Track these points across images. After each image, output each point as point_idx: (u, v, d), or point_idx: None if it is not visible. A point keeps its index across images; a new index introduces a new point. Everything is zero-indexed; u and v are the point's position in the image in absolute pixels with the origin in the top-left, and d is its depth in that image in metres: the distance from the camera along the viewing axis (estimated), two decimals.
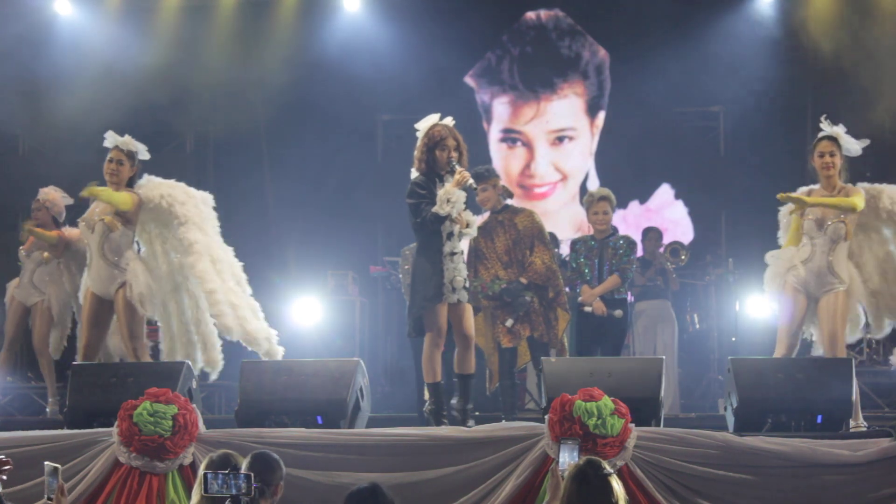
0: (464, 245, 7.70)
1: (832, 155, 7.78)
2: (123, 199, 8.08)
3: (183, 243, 8.21)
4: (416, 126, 7.61)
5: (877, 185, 8.00)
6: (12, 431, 7.25)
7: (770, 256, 8.05)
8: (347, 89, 13.19)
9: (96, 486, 6.64)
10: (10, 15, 12.46)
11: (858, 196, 7.68)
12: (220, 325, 8.13)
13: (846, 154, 7.82)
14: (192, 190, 8.41)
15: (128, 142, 8.24)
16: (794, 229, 8.00)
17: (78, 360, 8.13)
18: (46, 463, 5.16)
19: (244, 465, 5.14)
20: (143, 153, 8.29)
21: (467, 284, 7.43)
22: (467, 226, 7.44)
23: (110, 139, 8.25)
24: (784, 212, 8.25)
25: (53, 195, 9.67)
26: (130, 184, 8.25)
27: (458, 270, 7.37)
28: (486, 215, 8.81)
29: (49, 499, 5.13)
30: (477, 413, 7.98)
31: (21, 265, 9.86)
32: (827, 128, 7.86)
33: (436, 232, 7.38)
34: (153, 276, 8.24)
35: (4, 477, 5.20)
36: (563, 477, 4.94)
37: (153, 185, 8.31)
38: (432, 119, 7.56)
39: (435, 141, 7.42)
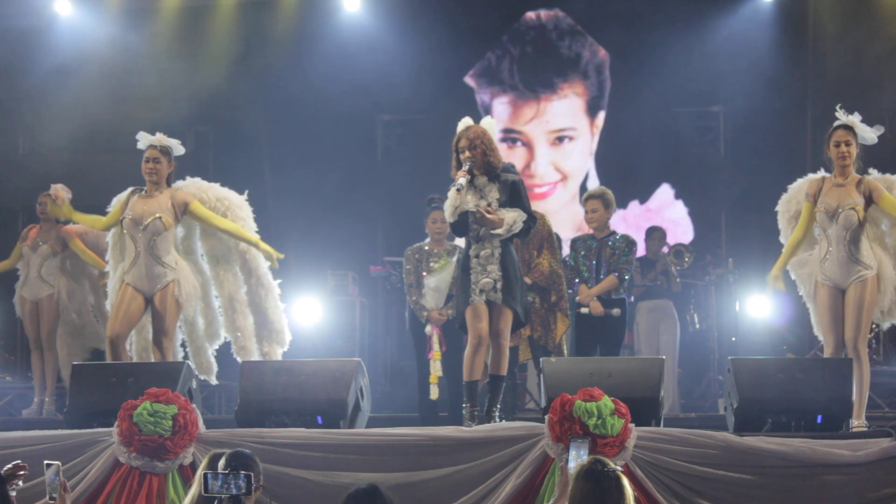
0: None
1: (847, 144, 7.68)
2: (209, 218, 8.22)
3: (239, 248, 8.32)
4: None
5: (889, 176, 7.86)
6: (12, 431, 7.25)
7: (793, 264, 7.98)
8: (347, 89, 13.19)
9: (96, 486, 6.65)
10: (9, 15, 12.46)
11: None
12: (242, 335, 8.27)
13: (862, 143, 7.75)
14: (238, 196, 8.45)
15: (161, 139, 8.20)
16: (804, 217, 7.86)
17: (108, 356, 8.11)
18: (47, 462, 5.16)
19: (221, 465, 5.13)
20: (179, 148, 8.26)
21: (499, 286, 7.25)
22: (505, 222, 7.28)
23: (143, 139, 8.19)
24: (783, 207, 8.17)
25: (62, 193, 9.75)
26: (168, 181, 8.24)
27: (488, 272, 7.26)
28: None
29: (52, 498, 5.13)
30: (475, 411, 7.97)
31: (24, 261, 9.92)
32: (842, 116, 7.76)
33: (465, 235, 7.42)
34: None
35: (21, 483, 5.19)
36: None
37: (204, 187, 8.33)
38: (463, 123, 7.52)
39: (454, 144, 7.44)
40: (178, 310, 8.12)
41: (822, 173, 7.93)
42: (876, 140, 7.76)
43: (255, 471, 5.14)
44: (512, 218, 7.27)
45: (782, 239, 8.25)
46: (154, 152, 8.16)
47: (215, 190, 8.36)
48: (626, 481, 4.41)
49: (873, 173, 7.88)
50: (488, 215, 7.24)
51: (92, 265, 9.77)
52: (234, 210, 8.31)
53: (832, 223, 7.65)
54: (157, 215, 8.07)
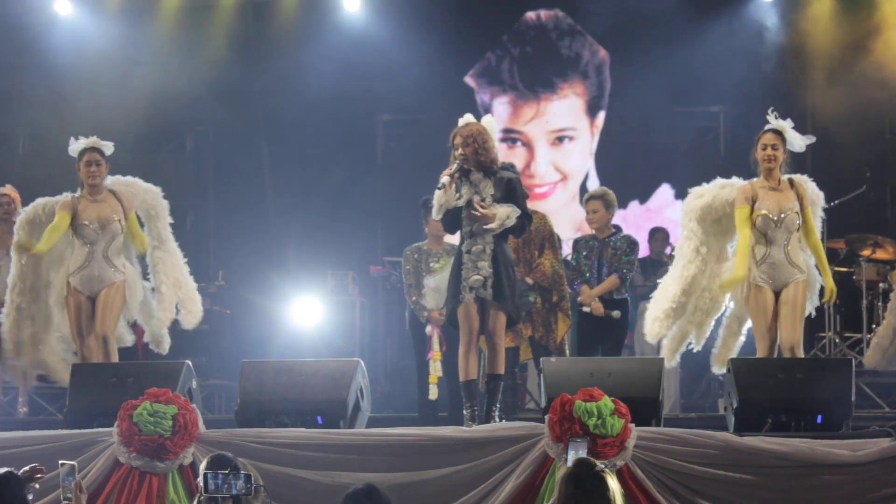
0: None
1: (775, 148, 7.77)
2: (141, 238, 8.34)
3: (160, 237, 8.45)
4: None
5: (803, 179, 7.94)
6: (12, 431, 7.25)
7: (723, 278, 7.91)
8: (347, 89, 13.19)
9: (96, 487, 6.64)
10: (9, 14, 12.46)
11: (827, 277, 7.77)
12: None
13: (790, 148, 7.83)
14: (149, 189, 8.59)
15: (97, 141, 8.32)
16: (747, 222, 7.72)
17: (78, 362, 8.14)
18: (62, 461, 5.14)
19: (202, 467, 5.12)
20: (110, 148, 8.35)
21: (489, 283, 7.23)
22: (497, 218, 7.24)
23: (75, 145, 8.30)
24: (699, 213, 8.00)
25: (15, 194, 9.73)
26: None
27: (479, 269, 7.23)
28: None
29: (66, 499, 5.11)
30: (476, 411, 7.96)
31: None
32: (773, 121, 7.87)
33: (456, 231, 7.41)
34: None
35: (37, 486, 5.18)
36: None
37: (126, 184, 8.44)
38: (463, 120, 7.50)
39: (451, 140, 7.43)
40: (122, 307, 8.20)
41: (737, 179, 7.94)
42: (804, 148, 7.85)
43: None
44: (505, 213, 7.24)
45: (688, 243, 8.03)
46: (95, 155, 8.27)
47: (121, 184, 8.42)
48: (611, 482, 4.38)
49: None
50: (481, 209, 7.23)
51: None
52: (160, 199, 8.47)
53: (777, 227, 7.70)
54: (117, 218, 8.20)
